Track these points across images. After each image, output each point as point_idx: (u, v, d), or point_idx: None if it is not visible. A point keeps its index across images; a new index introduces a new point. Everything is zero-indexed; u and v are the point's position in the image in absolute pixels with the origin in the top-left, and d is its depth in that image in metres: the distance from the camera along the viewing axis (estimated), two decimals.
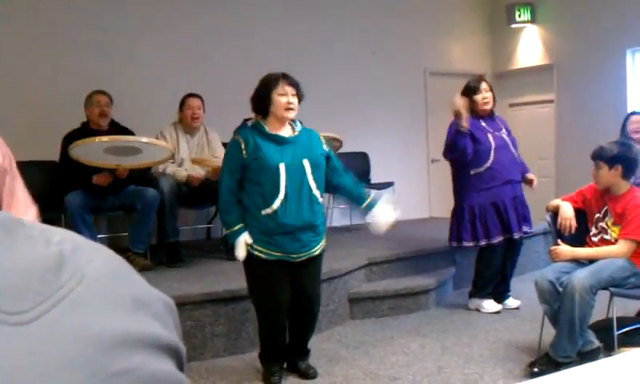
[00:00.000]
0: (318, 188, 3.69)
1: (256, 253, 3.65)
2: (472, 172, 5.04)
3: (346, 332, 4.86)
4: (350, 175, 3.98)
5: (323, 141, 3.84)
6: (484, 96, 5.09)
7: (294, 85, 3.68)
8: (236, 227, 3.64)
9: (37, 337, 0.40)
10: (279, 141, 3.66)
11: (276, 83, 3.64)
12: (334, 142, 5.38)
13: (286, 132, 3.72)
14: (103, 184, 4.97)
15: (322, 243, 3.83)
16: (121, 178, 4.99)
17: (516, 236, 5.10)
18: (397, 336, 4.72)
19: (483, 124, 5.08)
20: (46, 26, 6.08)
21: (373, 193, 4.04)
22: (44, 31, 6.07)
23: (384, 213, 3.88)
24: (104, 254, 0.49)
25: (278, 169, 3.58)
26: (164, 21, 6.69)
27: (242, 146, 3.62)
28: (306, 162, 3.65)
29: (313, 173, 3.66)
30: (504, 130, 5.18)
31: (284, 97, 3.62)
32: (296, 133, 3.73)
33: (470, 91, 5.11)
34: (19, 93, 5.86)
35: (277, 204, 3.58)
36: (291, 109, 3.64)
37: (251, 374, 4.00)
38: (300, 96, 3.72)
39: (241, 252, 3.65)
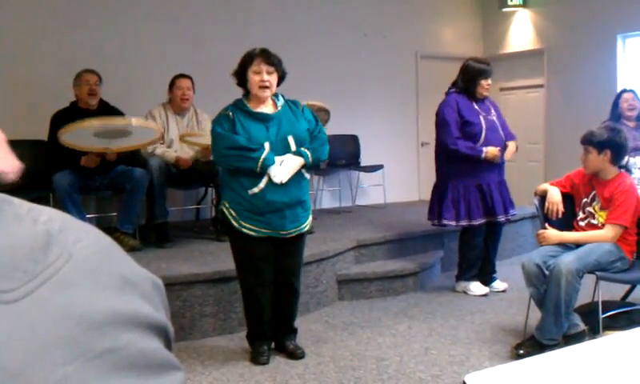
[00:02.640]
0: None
1: (245, 230, 3.66)
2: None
3: (334, 313, 4.89)
4: (317, 145, 3.77)
5: (306, 108, 3.83)
6: (489, 84, 5.12)
7: (272, 63, 3.65)
8: (263, 155, 3.54)
9: (24, 315, 0.40)
10: (263, 118, 3.66)
11: (251, 61, 3.64)
12: (322, 114, 5.36)
13: (268, 108, 3.72)
14: (91, 166, 4.95)
15: (309, 219, 3.86)
16: (110, 160, 4.99)
17: (501, 219, 5.13)
18: (384, 317, 4.75)
19: (476, 106, 5.08)
20: (34, 5, 6.01)
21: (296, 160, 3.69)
22: (32, 10, 5.99)
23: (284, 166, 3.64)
24: (92, 233, 0.49)
25: (263, 148, 3.59)
26: (158, 3, 6.62)
27: (232, 118, 3.63)
28: (290, 139, 3.66)
29: (298, 149, 3.67)
30: (494, 113, 5.18)
31: (258, 75, 3.62)
32: (278, 108, 3.72)
33: (482, 74, 5.07)
34: (7, 72, 5.80)
35: (264, 182, 3.59)
36: (265, 87, 3.63)
37: (239, 354, 4.02)
38: (281, 74, 3.70)
39: (283, 173, 3.57)
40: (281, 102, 3.77)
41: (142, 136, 4.92)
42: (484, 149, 4.96)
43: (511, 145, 5.18)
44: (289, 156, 3.62)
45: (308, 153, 3.67)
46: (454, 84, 5.18)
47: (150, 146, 5.15)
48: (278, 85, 3.74)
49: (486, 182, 5.05)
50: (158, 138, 5.03)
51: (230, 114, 3.65)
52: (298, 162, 3.64)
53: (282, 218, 3.66)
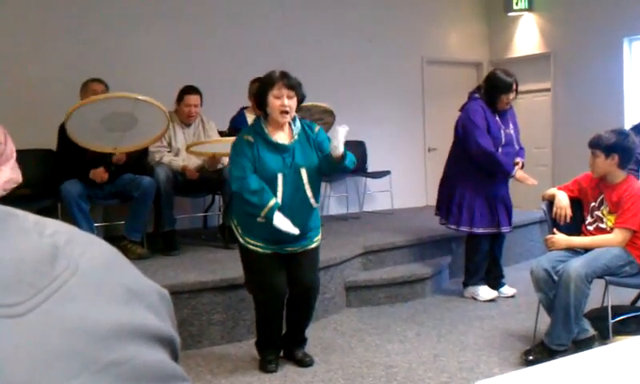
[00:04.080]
0: (314, 195, 3.69)
1: (250, 247, 3.68)
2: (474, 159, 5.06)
3: (343, 320, 4.88)
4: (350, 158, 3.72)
5: (318, 129, 3.78)
6: (510, 99, 5.02)
7: (293, 86, 3.59)
8: (271, 202, 3.52)
9: (30, 329, 0.40)
10: (279, 148, 3.61)
11: (272, 84, 3.57)
12: (327, 116, 5.36)
13: (285, 134, 3.67)
14: (98, 180, 4.94)
15: (318, 237, 3.84)
16: (118, 163, 4.96)
17: (505, 230, 5.18)
18: (393, 324, 4.74)
19: (497, 118, 5.06)
20: (42, 14, 6.05)
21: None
22: (41, 19, 6.04)
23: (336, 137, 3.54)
24: (98, 245, 0.49)
25: (276, 178, 3.57)
26: (161, 9, 6.65)
27: (253, 143, 3.60)
28: (303, 171, 3.64)
29: (310, 181, 3.64)
30: (511, 126, 5.15)
31: (279, 99, 3.56)
32: (294, 137, 3.67)
33: (503, 89, 4.96)
34: (15, 81, 5.84)
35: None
36: (286, 112, 3.58)
37: (248, 362, 4.02)
38: (300, 97, 3.65)
39: (291, 227, 3.54)
40: (297, 128, 3.71)
41: (149, 125, 4.81)
42: (516, 168, 5.00)
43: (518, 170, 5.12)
44: (341, 128, 3.54)
45: (351, 157, 3.65)
46: (479, 89, 5.16)
47: (158, 139, 5.12)
48: (296, 107, 3.69)
49: (492, 195, 5.06)
50: (164, 127, 4.97)
51: (252, 139, 3.61)
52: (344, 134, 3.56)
53: (287, 243, 3.68)
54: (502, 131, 5.04)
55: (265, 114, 3.67)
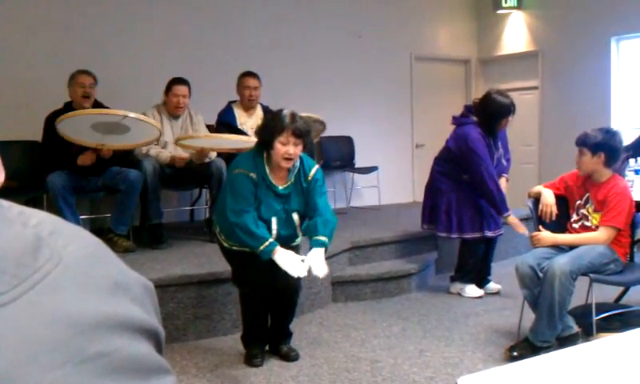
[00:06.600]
0: (301, 228, 3.80)
1: (235, 248, 3.73)
2: (465, 176, 5.07)
3: (329, 315, 4.89)
4: (321, 218, 3.68)
5: (313, 174, 3.75)
6: (509, 120, 4.99)
7: (302, 135, 3.55)
8: (268, 241, 3.55)
9: (13, 319, 0.40)
10: (276, 193, 3.64)
11: (281, 131, 3.52)
12: (317, 125, 5.36)
13: (282, 176, 3.68)
14: (87, 163, 4.92)
15: (300, 239, 3.90)
16: (105, 157, 4.95)
17: (492, 235, 5.19)
18: (379, 319, 4.75)
19: (491, 142, 5.05)
20: (28, 5, 5.98)
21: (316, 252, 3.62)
22: (28, 10, 5.97)
23: (317, 263, 3.57)
24: (82, 236, 0.49)
25: (270, 221, 3.64)
26: (150, 1, 6.61)
27: (255, 179, 3.60)
28: (295, 216, 3.73)
29: (300, 221, 3.76)
30: (499, 144, 5.15)
31: (284, 146, 3.53)
32: (290, 180, 3.68)
33: (507, 112, 4.91)
34: (1, 72, 5.78)
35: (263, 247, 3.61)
36: (290, 159, 3.56)
37: (233, 356, 4.02)
38: (306, 144, 3.63)
39: (296, 265, 3.53)
40: (295, 170, 3.68)
41: (140, 134, 4.87)
42: (510, 212, 4.98)
43: (502, 182, 5.15)
44: (315, 252, 3.57)
45: (327, 241, 3.65)
46: (472, 112, 5.04)
47: (147, 145, 5.13)
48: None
49: (480, 201, 5.08)
50: (155, 137, 4.99)
51: (255, 176, 3.59)
52: (323, 252, 3.61)
53: None
54: (495, 156, 5.07)
55: (267, 153, 3.63)
